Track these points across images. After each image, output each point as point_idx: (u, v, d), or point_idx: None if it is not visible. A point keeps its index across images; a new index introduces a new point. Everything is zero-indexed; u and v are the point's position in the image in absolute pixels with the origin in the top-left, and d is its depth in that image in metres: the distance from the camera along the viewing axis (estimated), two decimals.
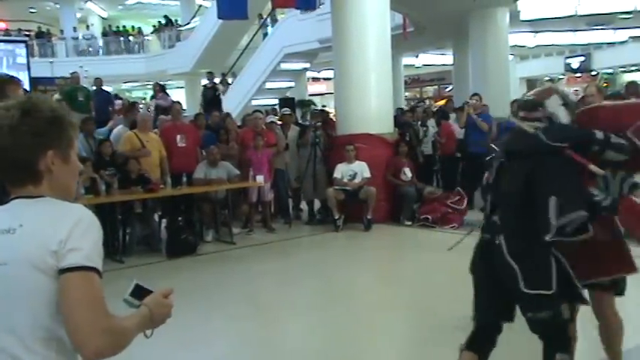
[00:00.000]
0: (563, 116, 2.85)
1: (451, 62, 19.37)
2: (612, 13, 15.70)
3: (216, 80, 16.23)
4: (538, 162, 2.72)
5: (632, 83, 13.42)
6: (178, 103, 10.07)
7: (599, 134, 2.79)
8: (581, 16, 15.42)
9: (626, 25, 18.54)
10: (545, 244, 2.68)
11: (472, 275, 2.99)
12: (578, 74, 27.96)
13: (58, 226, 1.42)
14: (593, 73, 27.74)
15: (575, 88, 22.88)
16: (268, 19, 19.73)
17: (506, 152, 2.88)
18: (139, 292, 1.59)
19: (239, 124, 10.35)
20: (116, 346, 1.42)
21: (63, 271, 1.40)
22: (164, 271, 6.82)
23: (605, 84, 26.98)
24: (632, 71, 26.18)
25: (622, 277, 3.12)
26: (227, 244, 8.13)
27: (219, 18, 13.03)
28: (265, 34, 19.35)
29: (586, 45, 24.96)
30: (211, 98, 13.93)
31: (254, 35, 20.11)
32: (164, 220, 8.59)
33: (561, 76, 30.00)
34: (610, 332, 3.20)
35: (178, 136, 8.56)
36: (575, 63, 26.80)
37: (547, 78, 31.00)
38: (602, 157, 2.80)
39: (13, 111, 1.48)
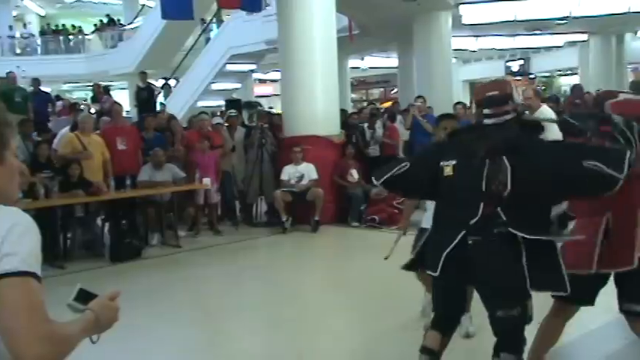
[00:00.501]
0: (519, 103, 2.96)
1: (396, 65, 19.65)
2: (549, 19, 16.24)
3: (152, 81, 15.79)
4: (535, 153, 2.75)
5: (576, 86, 13.96)
6: (118, 104, 9.84)
7: (617, 118, 2.91)
8: (520, 21, 15.90)
9: (562, 30, 19.23)
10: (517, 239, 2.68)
11: (439, 280, 2.92)
12: (518, 77, 28.80)
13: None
14: (532, 76, 28.62)
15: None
16: (213, 20, 19.55)
17: (490, 150, 2.78)
18: (84, 297, 1.53)
19: (185, 125, 10.21)
20: (58, 353, 1.35)
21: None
22: (107, 277, 6.66)
23: (542, 87, 27.93)
24: (567, 75, 27.15)
25: None
26: (173, 248, 8.00)
27: (163, 18, 12.82)
28: (208, 39, 19.14)
29: (525, 49, 25.75)
30: (146, 100, 13.31)
31: (199, 36, 19.87)
32: (107, 224, 8.39)
33: None
34: None
35: (118, 139, 8.34)
36: (515, 66, 27.60)
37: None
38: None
39: None
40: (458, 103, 9.90)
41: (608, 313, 3.86)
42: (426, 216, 4.02)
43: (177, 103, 17.08)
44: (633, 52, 22.46)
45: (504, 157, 2.73)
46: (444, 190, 2.93)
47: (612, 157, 2.69)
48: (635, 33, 21.95)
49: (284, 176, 8.87)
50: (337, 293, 5.89)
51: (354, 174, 9.29)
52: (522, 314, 2.77)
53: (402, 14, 14.14)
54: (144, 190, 8.06)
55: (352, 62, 23.90)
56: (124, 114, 12.66)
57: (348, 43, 15.03)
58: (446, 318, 3.03)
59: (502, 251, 2.73)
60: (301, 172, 8.85)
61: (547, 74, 28.69)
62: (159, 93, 14.83)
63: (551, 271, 2.78)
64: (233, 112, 11.11)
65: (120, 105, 9.75)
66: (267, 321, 5.01)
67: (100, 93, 14.57)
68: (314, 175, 8.80)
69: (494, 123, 2.89)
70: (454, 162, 2.87)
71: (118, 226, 8.15)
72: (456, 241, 2.77)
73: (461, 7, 14.57)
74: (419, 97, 10.76)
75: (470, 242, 2.75)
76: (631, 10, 14.60)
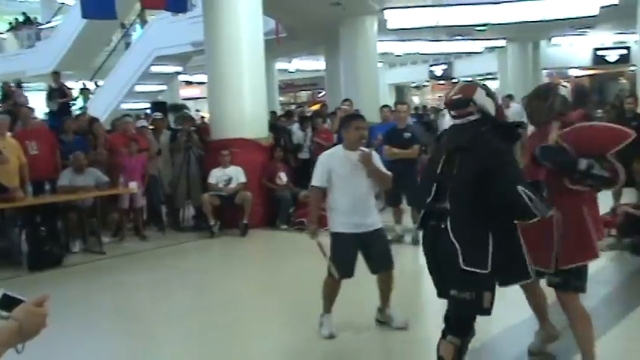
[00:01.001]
0: (490, 106, 3.07)
1: (324, 68, 19.79)
2: (469, 26, 16.81)
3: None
4: (486, 154, 2.92)
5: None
6: (26, 106, 9.42)
7: (583, 164, 3.16)
8: (442, 27, 16.37)
9: (482, 36, 19.96)
10: (484, 228, 2.89)
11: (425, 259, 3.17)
12: (442, 81, 29.67)
13: None
14: (454, 80, 29.52)
15: (439, 94, 24.27)
16: (137, 20, 19.10)
17: (453, 148, 3.05)
18: (8, 303, 1.44)
19: (108, 128, 9.91)
20: None
21: None
22: (25, 286, 6.36)
23: None
24: (487, 79, 28.14)
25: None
26: (96, 254, 7.75)
27: (83, 17, 12.38)
28: (128, 44, 18.66)
29: (448, 54, 26.52)
30: (59, 101, 12.67)
31: (122, 37, 19.37)
32: (24, 231, 8.02)
33: (426, 83, 31.66)
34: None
35: (29, 143, 7.97)
36: (438, 71, 28.41)
37: (413, 84, 32.60)
38: (582, 182, 3.23)
39: None
40: (384, 106, 10.05)
41: (525, 310, 4.03)
42: None
43: (99, 106, 16.55)
44: (548, 58, 23.58)
45: (457, 154, 3.00)
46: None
47: (540, 198, 2.92)
48: (550, 40, 23.03)
49: (212, 180, 8.77)
50: (269, 296, 5.87)
51: (283, 177, 9.29)
52: (475, 301, 2.90)
53: (328, 18, 14.27)
54: (64, 195, 7.76)
55: (280, 65, 23.93)
56: (42, 116, 12.17)
57: (276, 46, 15.03)
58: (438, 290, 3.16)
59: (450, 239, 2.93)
60: (229, 175, 8.77)
61: (469, 78, 29.64)
62: (75, 97, 14.06)
63: (514, 262, 2.99)
64: (159, 114, 10.90)
65: (28, 107, 9.34)
66: (199, 327, 4.93)
67: (11, 90, 13.93)
68: (242, 179, 8.75)
69: (460, 123, 3.09)
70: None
71: (37, 232, 7.81)
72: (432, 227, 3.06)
73: (386, 11, 14.84)
74: (346, 100, 10.90)
75: (442, 227, 2.96)
76: (545, 18, 15.31)
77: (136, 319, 5.45)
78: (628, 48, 22.51)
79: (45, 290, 1.71)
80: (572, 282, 3.41)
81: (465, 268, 2.85)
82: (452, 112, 3.14)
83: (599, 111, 19.95)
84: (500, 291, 3.02)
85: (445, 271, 3.00)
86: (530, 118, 3.64)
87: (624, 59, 23.06)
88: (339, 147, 4.53)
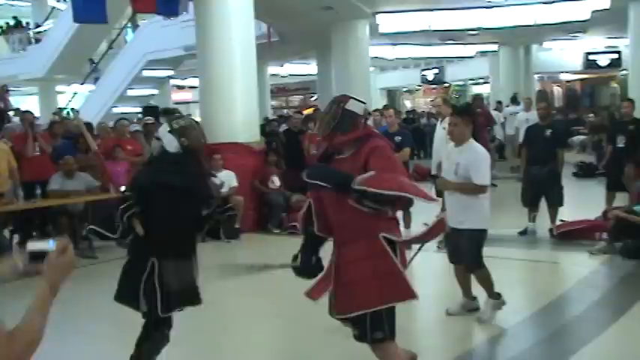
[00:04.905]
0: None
1: (316, 72, 19.80)
2: (461, 30, 16.86)
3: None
4: None
5: (477, 97, 14.54)
6: (29, 112, 9.38)
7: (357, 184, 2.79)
8: (434, 31, 16.40)
9: (474, 41, 20.03)
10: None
11: None
12: (433, 86, 29.74)
13: None
14: (446, 84, 29.60)
15: (430, 99, 24.32)
16: (128, 24, 19.05)
17: None
18: (36, 256, 1.58)
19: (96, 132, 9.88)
20: (34, 347, 1.44)
21: None
22: (16, 291, 6.31)
23: (456, 95, 28.96)
24: (479, 83, 28.27)
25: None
26: (89, 259, 7.70)
27: (75, 21, 12.37)
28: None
29: (440, 58, 26.60)
30: None
31: (113, 41, 19.30)
32: (16, 236, 7.97)
33: (418, 87, 31.74)
34: None
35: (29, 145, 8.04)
36: (430, 75, 28.47)
37: (405, 89, 32.68)
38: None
39: None
40: (375, 110, 10.07)
41: (518, 314, 4.04)
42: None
43: (91, 109, 16.51)
44: (540, 62, 23.68)
45: None
46: None
47: None
48: (541, 44, 23.14)
49: None
50: (260, 301, 5.85)
51: (276, 181, 9.28)
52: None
53: (320, 22, 14.28)
54: (55, 199, 7.72)
55: (272, 69, 23.92)
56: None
57: (267, 50, 15.02)
58: None
59: None
60: (221, 179, 8.72)
61: (461, 83, 29.76)
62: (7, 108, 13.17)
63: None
64: (150, 119, 10.86)
65: (30, 113, 9.32)
66: (188, 330, 4.90)
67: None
68: (234, 183, 8.72)
69: None
70: None
71: (28, 237, 7.75)
72: None
73: (378, 16, 14.86)
74: None
75: None
76: (537, 23, 15.38)
77: (128, 324, 5.40)
78: (619, 52, 22.64)
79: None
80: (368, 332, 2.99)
81: None
82: None
83: (591, 115, 20.16)
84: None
85: None
86: (318, 129, 3.34)
87: (615, 63, 23.19)
88: None
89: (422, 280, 6.20)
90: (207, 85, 9.58)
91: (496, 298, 4.62)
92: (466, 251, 4.56)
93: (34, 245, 1.59)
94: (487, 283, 4.64)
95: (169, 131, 3.43)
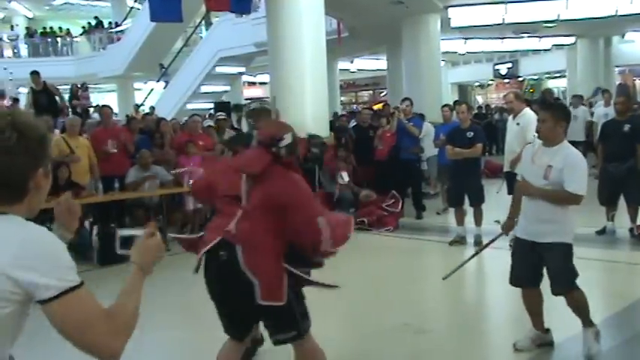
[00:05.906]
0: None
1: (385, 67, 19.69)
2: (537, 22, 16.34)
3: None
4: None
5: (546, 91, 14.00)
6: (108, 106, 9.78)
7: None
8: (508, 24, 15.97)
9: (550, 33, 19.37)
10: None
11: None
12: (507, 80, 28.99)
13: (10, 247, 1.42)
14: (520, 79, 28.80)
15: (503, 93, 23.76)
16: (202, 23, 19.53)
17: None
18: (125, 241, 1.67)
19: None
20: (130, 329, 1.51)
21: (45, 301, 1.42)
22: (96, 279, 6.60)
23: (530, 90, 28.11)
24: (555, 77, 27.35)
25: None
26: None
27: (152, 20, 12.79)
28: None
29: (513, 52, 25.90)
30: (46, 104, 11.07)
31: (188, 38, 19.84)
32: (95, 227, 8.32)
33: (490, 82, 31.04)
34: None
35: (110, 141, 8.32)
36: (503, 69, 27.78)
37: (477, 83, 32.02)
38: None
39: (8, 132, 1.45)
40: (445, 105, 9.86)
41: (592, 317, 3.89)
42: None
43: (166, 106, 17.05)
44: (621, 54, 22.66)
45: None
46: None
47: None
48: (623, 36, 22.13)
49: None
50: (330, 295, 5.87)
51: (345, 176, 9.27)
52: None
53: (390, 17, 14.18)
54: (132, 193, 8.02)
55: (341, 65, 23.96)
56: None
57: (337, 46, 15.06)
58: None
59: None
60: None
61: (535, 77, 28.88)
62: (60, 97, 12.05)
63: None
64: (222, 114, 11.09)
65: (109, 107, 9.70)
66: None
67: (78, 90, 14.52)
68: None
69: None
70: None
71: (107, 229, 8.09)
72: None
73: (449, 9, 14.63)
74: (405, 99, 10.34)
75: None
76: (618, 13, 14.72)
77: (194, 316, 5.57)
78: None
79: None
80: None
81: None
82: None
83: None
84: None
85: None
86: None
87: None
88: None
89: (492, 279, 6.07)
90: (277, 81, 9.71)
91: (591, 325, 3.96)
92: (559, 271, 3.86)
93: (124, 232, 1.70)
94: (584, 308, 3.92)
95: None
